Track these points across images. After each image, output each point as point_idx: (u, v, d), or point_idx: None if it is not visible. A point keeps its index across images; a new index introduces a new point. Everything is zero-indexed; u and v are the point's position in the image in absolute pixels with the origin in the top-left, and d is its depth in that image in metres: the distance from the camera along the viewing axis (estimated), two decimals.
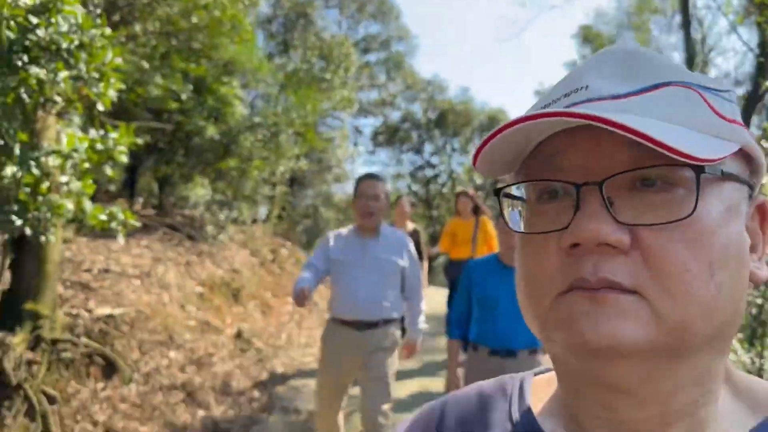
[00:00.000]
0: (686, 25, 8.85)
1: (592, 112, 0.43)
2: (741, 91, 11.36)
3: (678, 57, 11.61)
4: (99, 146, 3.92)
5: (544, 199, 0.50)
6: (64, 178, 3.88)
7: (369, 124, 23.55)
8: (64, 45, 3.74)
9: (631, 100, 0.47)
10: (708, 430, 0.50)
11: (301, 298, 3.16)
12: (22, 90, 3.73)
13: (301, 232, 17.76)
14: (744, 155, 0.51)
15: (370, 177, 3.43)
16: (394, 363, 3.41)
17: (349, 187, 25.15)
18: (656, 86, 0.48)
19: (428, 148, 23.47)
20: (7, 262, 4.18)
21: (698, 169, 0.44)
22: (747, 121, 9.92)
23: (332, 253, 3.36)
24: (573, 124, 0.46)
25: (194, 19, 6.69)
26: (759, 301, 7.39)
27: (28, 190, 3.74)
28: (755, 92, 10.27)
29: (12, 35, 3.49)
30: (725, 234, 0.47)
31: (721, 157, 0.45)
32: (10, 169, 3.51)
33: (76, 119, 4.81)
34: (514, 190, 0.53)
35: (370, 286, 3.26)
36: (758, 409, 0.52)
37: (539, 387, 0.62)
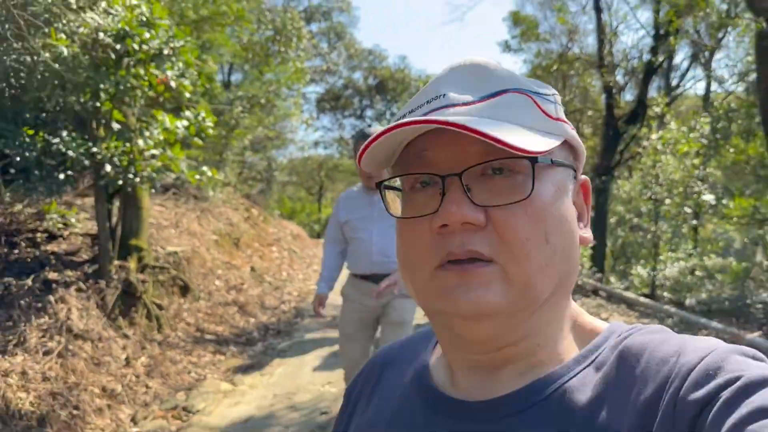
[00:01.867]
0: (598, 10, 10.86)
1: (450, 117, 0.55)
2: (643, 59, 13.31)
3: (592, 38, 13.66)
4: (185, 123, 5.43)
5: (416, 188, 0.62)
6: (156, 150, 5.34)
7: (313, 90, 24.82)
8: (166, 51, 5.21)
9: (479, 106, 0.59)
10: (544, 366, 0.62)
11: (315, 309, 3.47)
12: (128, 85, 5.17)
13: (257, 194, 19.15)
14: (568, 145, 0.65)
15: (364, 137, 3.22)
16: (413, 309, 3.40)
17: (290, 151, 26.48)
18: (498, 93, 0.60)
19: (369, 113, 25.09)
20: (115, 211, 5.66)
21: (533, 160, 0.57)
22: (646, 84, 12.08)
23: (341, 216, 3.40)
24: (434, 127, 0.56)
25: (203, 11, 8.05)
26: (653, 228, 9.67)
27: (131, 156, 5.22)
28: (651, 62, 12.37)
29: (136, 46, 4.94)
30: (556, 208, 0.60)
31: (549, 149, 0.58)
32: (141, 141, 5.02)
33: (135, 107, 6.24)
34: (394, 183, 0.65)
35: (381, 240, 3.24)
36: (585, 342, 0.64)
37: None
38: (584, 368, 0.60)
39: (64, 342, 4.58)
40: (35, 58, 4.65)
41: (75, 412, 4.04)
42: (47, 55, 4.74)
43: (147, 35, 5.04)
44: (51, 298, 4.93)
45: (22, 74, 4.77)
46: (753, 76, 9.25)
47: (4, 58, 4.73)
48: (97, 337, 4.89)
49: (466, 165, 0.57)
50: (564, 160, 0.63)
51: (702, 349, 0.54)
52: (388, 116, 25.02)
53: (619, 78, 12.55)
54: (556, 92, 0.66)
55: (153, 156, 5.37)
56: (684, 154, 8.06)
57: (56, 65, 4.83)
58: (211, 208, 10.40)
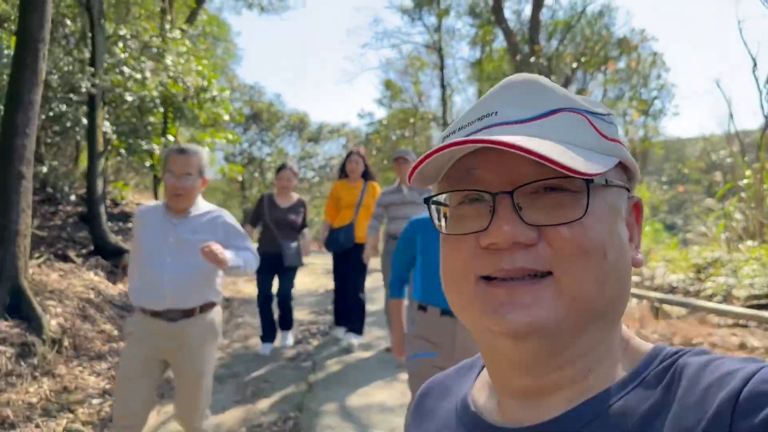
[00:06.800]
0: (443, 86, 15.98)
1: (502, 137, 0.54)
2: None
3: (435, 100, 18.98)
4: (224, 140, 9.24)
5: (464, 203, 0.60)
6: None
7: None
8: (217, 98, 9.05)
9: (533, 124, 0.58)
10: (595, 391, 0.58)
11: None
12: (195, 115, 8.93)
13: None
14: (623, 166, 0.63)
15: (178, 151, 2.82)
16: (213, 357, 2.95)
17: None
18: (552, 112, 0.59)
19: (244, 137, 28.57)
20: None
21: (588, 180, 0.55)
22: None
23: (135, 233, 2.91)
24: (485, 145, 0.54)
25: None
26: None
27: None
28: None
29: (207, 94, 8.71)
30: (611, 227, 0.58)
31: (604, 171, 0.56)
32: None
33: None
34: (441, 198, 0.63)
35: (177, 272, 2.75)
36: (633, 364, 0.60)
37: None
38: (632, 389, 0.57)
39: None
40: (160, 90, 8.30)
41: None
42: (158, 92, 8.43)
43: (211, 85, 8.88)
44: None
45: (144, 103, 8.37)
46: None
47: (135, 93, 8.32)
48: None
49: (517, 183, 0.56)
50: (618, 181, 0.61)
51: (754, 371, 0.51)
52: (258, 143, 28.74)
53: None
54: (612, 112, 0.65)
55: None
56: None
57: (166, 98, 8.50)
58: None
